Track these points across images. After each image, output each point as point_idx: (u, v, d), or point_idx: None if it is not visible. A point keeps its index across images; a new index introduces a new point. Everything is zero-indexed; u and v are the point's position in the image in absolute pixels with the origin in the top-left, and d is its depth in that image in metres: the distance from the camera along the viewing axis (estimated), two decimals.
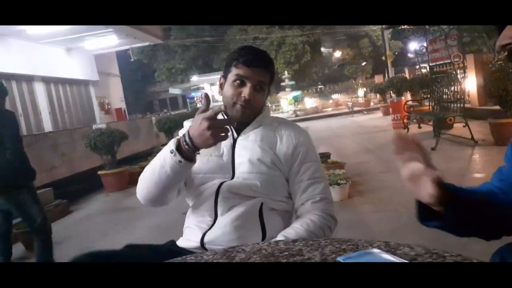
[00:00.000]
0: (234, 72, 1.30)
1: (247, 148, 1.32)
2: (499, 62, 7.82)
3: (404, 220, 3.48)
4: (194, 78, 23.36)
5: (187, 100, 29.89)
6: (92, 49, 11.03)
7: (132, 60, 25.49)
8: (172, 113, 21.55)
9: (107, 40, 9.83)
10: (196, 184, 1.33)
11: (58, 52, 10.31)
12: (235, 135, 1.35)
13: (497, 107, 6.55)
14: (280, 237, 1.20)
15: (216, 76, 23.21)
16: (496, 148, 5.78)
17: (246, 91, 1.28)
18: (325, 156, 5.73)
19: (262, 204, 1.27)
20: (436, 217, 0.81)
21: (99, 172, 6.87)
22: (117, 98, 13.48)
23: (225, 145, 1.33)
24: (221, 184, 1.28)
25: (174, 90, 27.77)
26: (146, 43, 12.24)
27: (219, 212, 1.27)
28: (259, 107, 1.36)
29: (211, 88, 22.63)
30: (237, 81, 1.30)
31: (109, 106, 12.44)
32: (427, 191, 0.77)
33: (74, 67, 10.85)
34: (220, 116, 1.32)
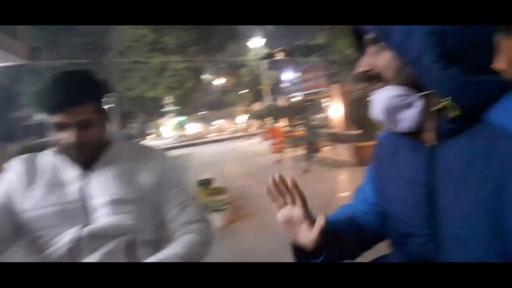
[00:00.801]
0: (50, 121, 1.12)
1: (103, 187, 1.14)
2: (358, 92, 8.96)
3: (285, 241, 3.62)
4: None
5: None
6: None
7: None
8: (39, 140, 19.28)
9: None
10: (42, 242, 1.12)
11: None
12: (83, 174, 1.16)
13: (358, 131, 7.46)
14: (152, 258, 1.09)
15: None
16: (359, 169, 6.53)
17: (67, 136, 1.09)
18: (207, 182, 5.72)
19: (132, 240, 1.16)
20: (311, 255, 0.82)
21: None
22: None
23: (72, 188, 1.13)
24: (75, 234, 1.11)
25: (42, 116, 24.96)
26: (8, 63, 10.76)
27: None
28: (94, 140, 1.14)
29: None
30: (57, 128, 1.10)
31: None
32: (308, 237, 0.77)
33: None
34: (48, 157, 1.19)
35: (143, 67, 23.95)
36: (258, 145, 13.77)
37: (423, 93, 0.70)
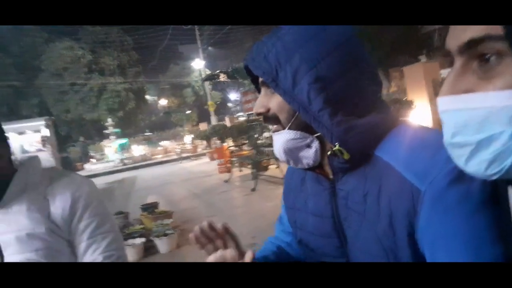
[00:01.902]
0: None
1: (10, 223, 1.08)
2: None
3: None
4: None
5: None
6: None
7: None
8: None
9: None
10: None
11: None
12: None
13: None
14: None
15: (26, 124, 20.33)
16: None
17: None
18: (152, 206, 5.58)
19: None
20: None
21: None
22: None
23: None
24: None
25: None
26: None
27: None
28: None
29: (19, 138, 19.58)
30: None
31: None
32: None
33: None
34: None
35: (80, 89, 23.00)
36: (205, 165, 13.65)
37: (316, 134, 0.72)
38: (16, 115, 23.38)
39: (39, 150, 19.67)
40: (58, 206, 1.11)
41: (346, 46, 0.68)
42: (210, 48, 27.79)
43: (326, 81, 0.66)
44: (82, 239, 1.13)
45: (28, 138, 19.77)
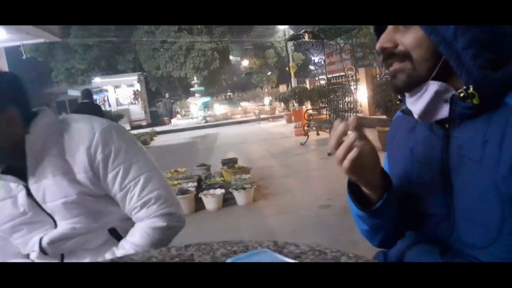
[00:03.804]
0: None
1: (46, 191, 1.04)
2: (386, 76, 8.82)
3: (304, 222, 3.73)
4: (97, 80, 21.89)
5: None
6: None
7: (24, 57, 23.01)
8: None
9: None
10: (22, 248, 1.13)
11: None
12: (22, 181, 1.05)
13: (384, 116, 7.38)
14: (108, 254, 1.07)
15: (122, 79, 22.05)
16: (382, 153, 6.49)
17: None
18: (232, 162, 5.85)
19: (111, 230, 1.13)
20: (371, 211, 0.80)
21: None
22: None
23: (20, 199, 1.06)
24: (41, 238, 1.08)
25: (74, 92, 25.69)
26: (41, 40, 11.10)
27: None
28: None
29: (116, 91, 21.45)
30: None
31: None
32: (377, 170, 0.76)
33: None
34: None
35: (170, 46, 24.17)
36: (282, 127, 13.79)
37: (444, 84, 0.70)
38: (113, 69, 25.53)
39: (132, 103, 21.48)
40: (80, 167, 1.04)
41: None
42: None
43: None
44: (116, 192, 1.07)
45: (123, 92, 21.59)
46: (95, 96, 26.17)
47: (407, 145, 0.84)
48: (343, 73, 10.18)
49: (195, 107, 21.00)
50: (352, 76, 10.43)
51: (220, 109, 22.44)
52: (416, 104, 0.74)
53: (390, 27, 0.74)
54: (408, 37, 0.71)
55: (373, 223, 0.82)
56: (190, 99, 22.24)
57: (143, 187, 1.05)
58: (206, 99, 22.07)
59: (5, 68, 12.70)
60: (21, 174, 1.05)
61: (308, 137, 8.89)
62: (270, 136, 11.57)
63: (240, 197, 4.43)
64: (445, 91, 0.70)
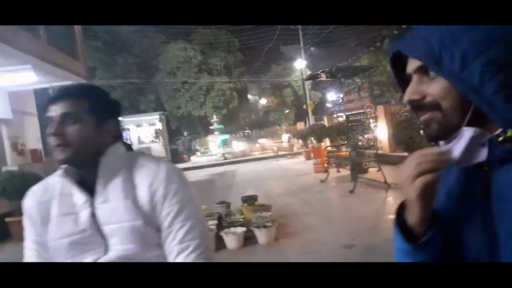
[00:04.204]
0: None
1: (111, 214, 1.08)
2: (405, 114, 8.81)
3: (327, 261, 3.64)
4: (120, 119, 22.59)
5: None
6: (6, 85, 10.23)
7: None
8: None
9: (24, 77, 9.16)
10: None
11: None
12: (90, 199, 1.10)
13: (406, 153, 7.30)
14: None
15: (143, 118, 22.65)
16: None
17: (51, 128, 1.06)
18: (252, 199, 5.82)
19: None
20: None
21: (7, 220, 6.19)
22: (33, 138, 12.44)
23: (83, 216, 1.09)
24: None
25: None
26: (68, 82, 11.67)
27: None
28: (82, 143, 1.07)
29: (137, 129, 22.01)
30: (48, 124, 1.08)
31: (23, 147, 11.38)
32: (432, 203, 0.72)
33: None
34: (55, 182, 1.14)
35: (191, 87, 24.92)
36: (300, 164, 13.76)
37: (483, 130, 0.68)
38: (135, 109, 26.33)
39: (153, 141, 21.94)
40: (142, 195, 1.09)
41: None
42: (312, 48, 27.77)
43: (500, 64, 0.64)
44: (163, 227, 1.10)
45: (144, 131, 22.14)
46: None
47: (444, 185, 0.80)
48: (361, 111, 10.21)
49: (214, 145, 21.26)
50: (371, 114, 10.46)
51: (238, 146, 22.64)
52: (452, 151, 0.72)
53: (415, 79, 0.74)
54: (434, 88, 0.70)
55: (418, 258, 0.77)
56: (209, 137, 22.58)
57: (187, 232, 1.10)
58: (225, 136, 22.36)
59: (33, 108, 13.28)
60: (89, 192, 1.10)
61: (328, 174, 8.82)
62: (289, 173, 11.53)
63: (261, 235, 4.38)
64: (481, 135, 0.69)
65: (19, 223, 5.13)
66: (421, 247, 0.74)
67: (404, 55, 0.74)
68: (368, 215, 5.19)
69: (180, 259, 1.09)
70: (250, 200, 5.77)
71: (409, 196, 0.70)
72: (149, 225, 1.09)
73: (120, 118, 1.19)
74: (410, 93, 0.73)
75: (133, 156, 1.17)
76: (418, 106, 0.74)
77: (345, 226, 4.83)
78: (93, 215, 1.08)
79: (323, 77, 11.18)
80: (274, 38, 28.43)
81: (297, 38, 23.97)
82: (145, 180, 1.10)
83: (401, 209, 0.76)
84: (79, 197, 1.10)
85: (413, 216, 0.73)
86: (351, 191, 6.86)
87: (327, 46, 29.94)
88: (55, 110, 1.07)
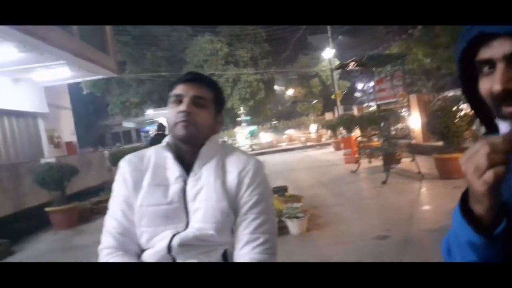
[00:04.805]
0: (172, 94, 1.23)
1: (201, 191, 1.17)
2: (438, 102, 8.52)
3: (361, 253, 3.58)
4: (150, 112, 23.01)
5: (141, 133, 29.23)
6: (42, 80, 10.62)
7: (84, 93, 24.77)
8: (126, 146, 20.95)
9: (58, 72, 9.50)
10: (145, 239, 1.16)
11: (4, 83, 9.84)
12: (184, 175, 1.19)
13: (440, 143, 7.06)
14: None
15: None
16: (441, 182, 6.17)
17: (182, 106, 1.17)
18: (282, 190, 5.81)
19: (225, 251, 1.16)
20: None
21: (47, 209, 6.46)
22: (67, 131, 12.92)
23: (173, 189, 1.17)
24: (173, 236, 1.12)
25: (128, 124, 27.12)
26: (100, 76, 11.99)
27: None
28: (204, 126, 1.20)
29: (166, 122, 22.40)
30: (175, 101, 1.20)
31: (58, 140, 11.86)
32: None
33: (21, 99, 10.36)
34: (153, 154, 1.24)
35: (218, 79, 25.05)
36: (329, 154, 13.61)
37: None
38: (164, 102, 26.74)
39: None
40: (230, 180, 1.18)
41: None
42: (340, 37, 27.24)
43: None
44: (240, 213, 1.16)
45: None
46: (147, 127, 27.47)
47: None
48: (393, 100, 9.95)
49: (242, 136, 21.34)
50: (403, 103, 10.18)
51: (266, 137, 22.63)
52: None
53: (502, 66, 0.67)
54: None
55: (486, 254, 0.69)
56: (237, 129, 22.68)
57: (259, 225, 1.15)
58: (253, 128, 22.40)
59: (67, 102, 13.73)
60: (185, 164, 1.20)
61: (359, 164, 8.68)
62: (318, 164, 11.43)
63: (293, 226, 4.36)
64: None
65: (59, 213, 5.40)
66: (494, 239, 0.67)
67: (474, 44, 0.68)
68: (402, 206, 5.07)
69: (247, 248, 1.12)
70: (280, 191, 5.76)
71: (479, 189, 0.63)
72: (231, 208, 1.16)
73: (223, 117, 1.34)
74: (506, 80, 0.66)
75: (227, 147, 1.31)
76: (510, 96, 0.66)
77: (379, 217, 4.74)
78: (182, 191, 1.17)
79: (354, 66, 10.95)
80: (302, 28, 28.01)
81: (325, 27, 23.57)
82: (236, 167, 1.20)
83: (464, 199, 0.69)
84: (174, 171, 1.19)
85: (482, 205, 0.66)
86: (384, 182, 6.71)
87: (355, 35, 29.32)
88: (187, 91, 1.19)
